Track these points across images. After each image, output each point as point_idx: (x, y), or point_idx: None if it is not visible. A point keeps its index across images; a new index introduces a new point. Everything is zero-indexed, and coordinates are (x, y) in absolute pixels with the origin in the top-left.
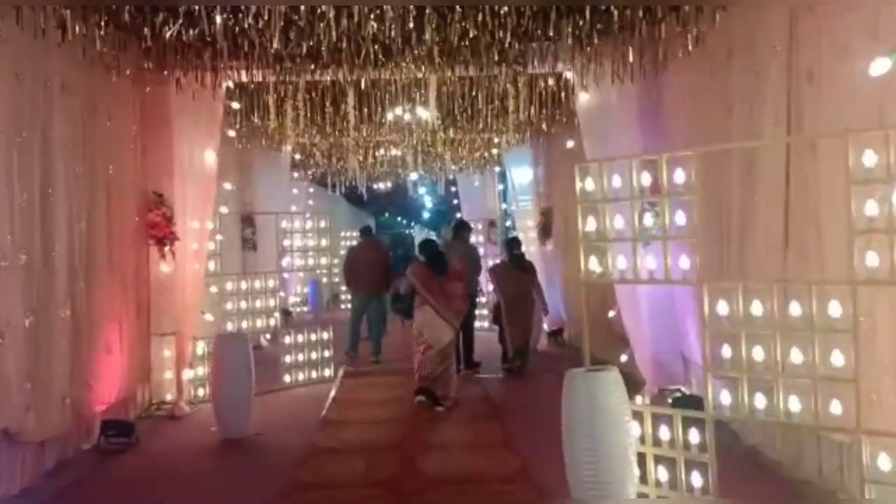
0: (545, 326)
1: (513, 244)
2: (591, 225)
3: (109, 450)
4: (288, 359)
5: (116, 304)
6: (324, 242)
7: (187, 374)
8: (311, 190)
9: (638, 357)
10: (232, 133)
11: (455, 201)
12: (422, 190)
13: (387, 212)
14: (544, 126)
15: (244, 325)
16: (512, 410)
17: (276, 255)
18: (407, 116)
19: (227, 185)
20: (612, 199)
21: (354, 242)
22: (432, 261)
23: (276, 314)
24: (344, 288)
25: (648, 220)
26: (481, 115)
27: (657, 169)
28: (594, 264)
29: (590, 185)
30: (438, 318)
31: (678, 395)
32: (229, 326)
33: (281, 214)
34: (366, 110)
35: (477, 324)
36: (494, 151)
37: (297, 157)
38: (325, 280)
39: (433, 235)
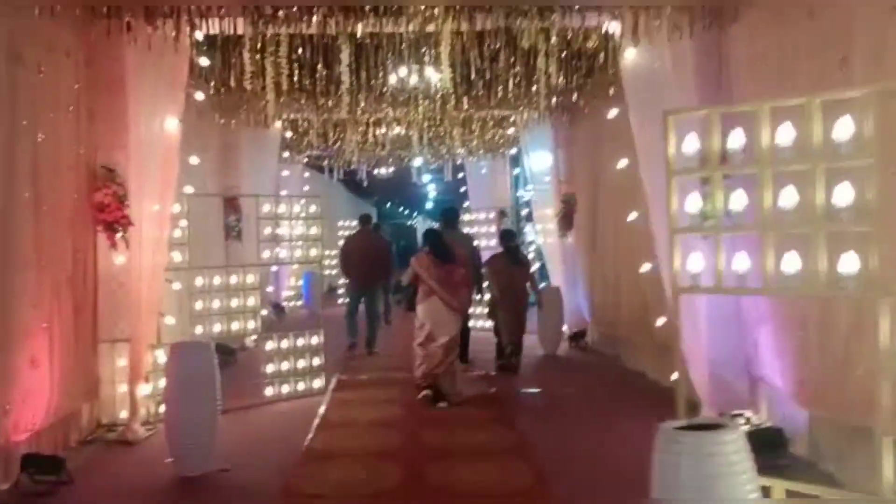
0: (565, 328)
1: (507, 236)
2: (692, 205)
3: (34, 491)
4: (271, 368)
5: (46, 305)
6: (314, 230)
7: (144, 388)
8: (307, 174)
9: (693, 373)
10: (200, 95)
11: (463, 188)
12: (426, 178)
13: (389, 201)
14: (574, 97)
15: (218, 328)
16: (542, 438)
17: (256, 245)
18: (414, 79)
19: (194, 160)
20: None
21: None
22: (437, 250)
23: (261, 313)
24: (341, 281)
25: (789, 197)
26: (500, 80)
27: (803, 118)
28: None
29: (691, 145)
30: (444, 309)
31: (746, 424)
32: (198, 330)
33: (263, 198)
34: (364, 74)
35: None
36: (510, 131)
37: (289, 135)
38: (320, 272)
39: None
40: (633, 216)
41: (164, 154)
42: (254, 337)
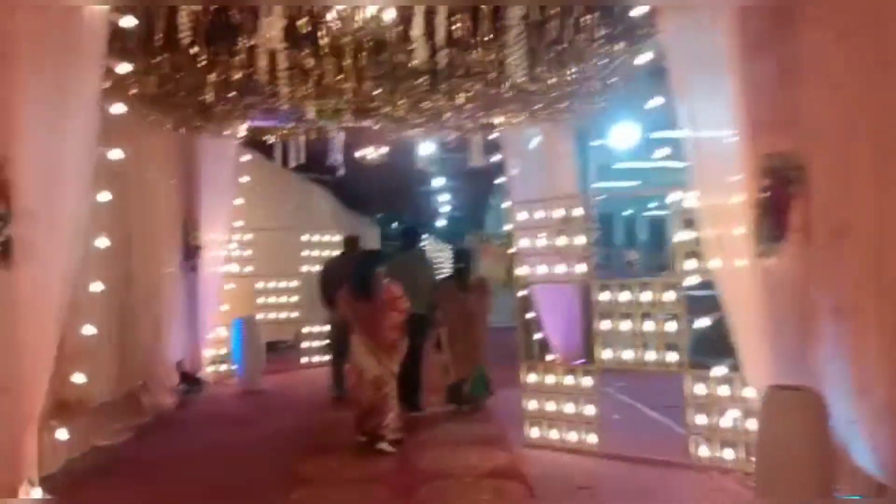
0: None
1: (458, 256)
2: None
3: None
4: None
5: None
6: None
7: None
8: (248, 157)
9: None
10: None
11: (503, 178)
12: (439, 182)
13: (396, 220)
14: None
15: None
16: None
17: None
18: None
19: None
20: None
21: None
22: (356, 282)
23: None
24: (307, 329)
25: None
26: None
27: None
28: None
29: None
30: (368, 347)
31: None
32: None
33: None
34: None
35: None
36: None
37: (129, 24)
38: (273, 315)
39: (445, 250)
40: None
41: None
42: None
